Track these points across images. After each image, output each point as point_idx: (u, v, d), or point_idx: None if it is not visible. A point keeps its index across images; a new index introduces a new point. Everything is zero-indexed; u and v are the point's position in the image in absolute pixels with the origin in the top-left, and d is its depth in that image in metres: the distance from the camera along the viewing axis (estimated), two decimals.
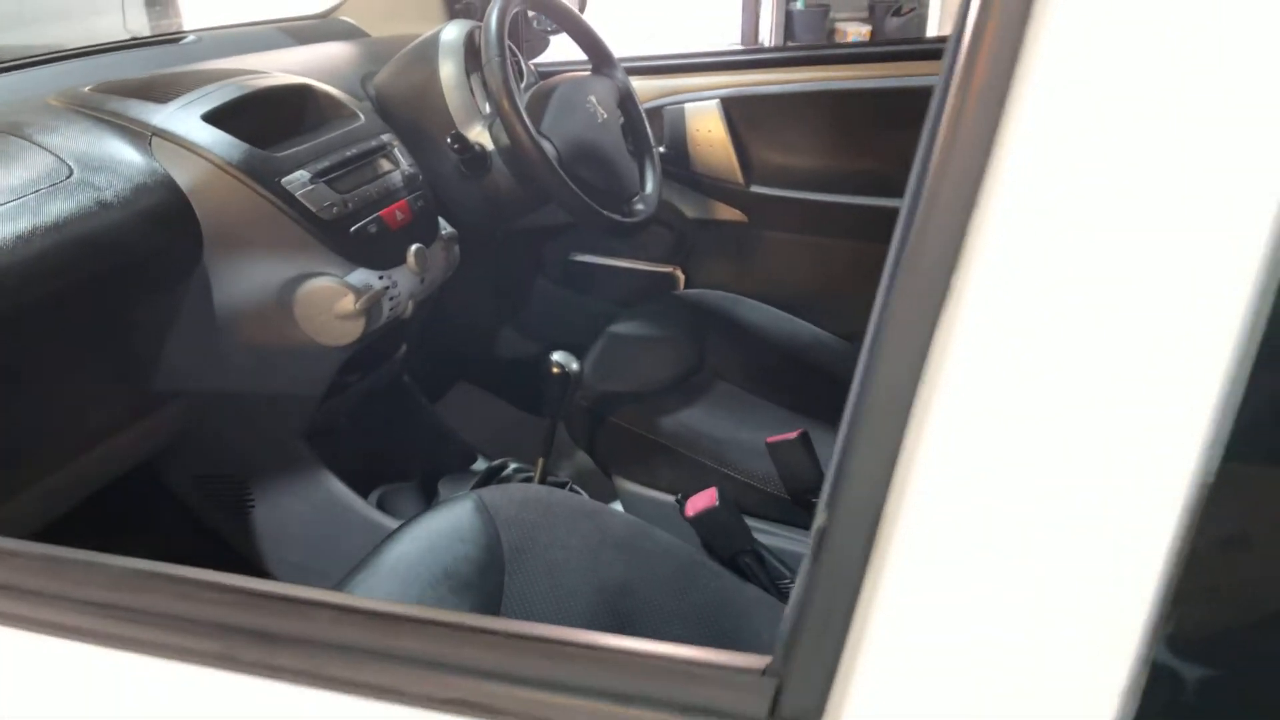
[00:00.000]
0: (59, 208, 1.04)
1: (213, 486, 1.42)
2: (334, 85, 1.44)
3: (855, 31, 6.32)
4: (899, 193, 1.63)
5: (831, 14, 6.52)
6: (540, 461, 1.44)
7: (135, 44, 1.63)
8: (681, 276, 1.98)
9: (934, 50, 1.81)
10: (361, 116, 1.38)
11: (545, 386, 1.39)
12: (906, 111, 1.74)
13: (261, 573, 1.50)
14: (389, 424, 1.62)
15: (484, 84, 1.45)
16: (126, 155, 1.15)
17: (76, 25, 2.60)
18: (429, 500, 1.53)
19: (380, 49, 1.75)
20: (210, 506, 1.44)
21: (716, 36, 6.49)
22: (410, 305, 1.33)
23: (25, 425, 1.16)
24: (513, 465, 1.55)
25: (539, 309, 2.12)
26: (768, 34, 6.39)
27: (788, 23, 6.48)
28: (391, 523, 1.38)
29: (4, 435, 1.13)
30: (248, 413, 1.35)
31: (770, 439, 1.30)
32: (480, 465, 1.60)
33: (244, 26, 1.81)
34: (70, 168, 1.10)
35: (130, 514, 1.44)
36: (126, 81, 1.30)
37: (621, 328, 1.66)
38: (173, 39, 1.67)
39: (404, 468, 1.56)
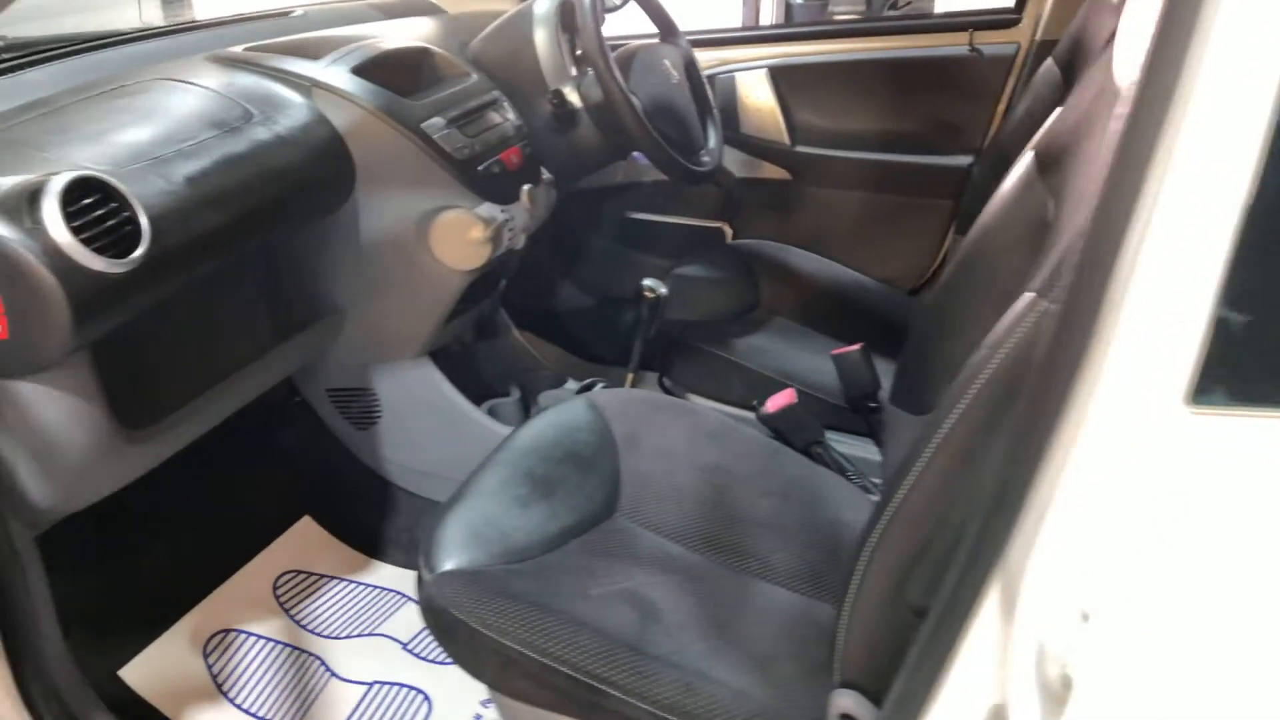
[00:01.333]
0: (250, 141, 1.24)
1: (343, 400, 1.62)
2: None
3: None
4: (926, 150, 1.92)
5: (830, 6, 6.73)
6: (629, 377, 1.64)
7: (252, 17, 1.83)
8: (729, 231, 2.18)
9: (952, 25, 2.01)
10: (473, 75, 1.58)
11: (636, 309, 1.60)
12: (932, 77, 1.97)
13: (380, 479, 1.71)
14: (489, 349, 1.82)
15: (573, 49, 1.66)
16: (294, 101, 1.35)
17: (95, 17, 2.76)
18: (528, 414, 1.74)
19: (463, 23, 1.94)
20: (338, 418, 1.64)
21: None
22: (523, 237, 1.53)
23: (196, 346, 1.35)
24: (600, 384, 1.75)
25: (595, 264, 2.32)
26: (768, 23, 6.58)
27: (788, 14, 6.69)
28: (503, 429, 1.58)
29: (180, 353, 1.32)
30: (379, 333, 1.55)
31: (835, 350, 1.51)
32: (571, 385, 1.80)
33: (340, 4, 2.00)
34: (252, 111, 1.30)
35: (270, 423, 1.64)
36: (275, 43, 1.49)
37: (686, 270, 1.86)
38: (282, 13, 1.87)
39: (503, 387, 1.77)
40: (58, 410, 1.03)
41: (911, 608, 0.84)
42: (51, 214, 0.95)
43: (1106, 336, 0.55)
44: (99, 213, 1.01)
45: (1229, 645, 0.56)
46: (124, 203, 1.02)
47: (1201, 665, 0.57)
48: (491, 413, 1.65)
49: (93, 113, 1.20)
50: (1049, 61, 1.60)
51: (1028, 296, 0.73)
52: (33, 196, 0.96)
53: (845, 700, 0.88)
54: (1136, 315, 0.53)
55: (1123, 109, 0.55)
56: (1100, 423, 0.55)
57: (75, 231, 0.96)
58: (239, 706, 1.40)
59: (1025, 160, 1.10)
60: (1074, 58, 1.49)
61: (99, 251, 0.98)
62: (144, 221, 1.03)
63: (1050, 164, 1.04)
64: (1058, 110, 1.14)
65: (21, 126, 1.13)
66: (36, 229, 0.94)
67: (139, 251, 1.01)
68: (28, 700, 1.17)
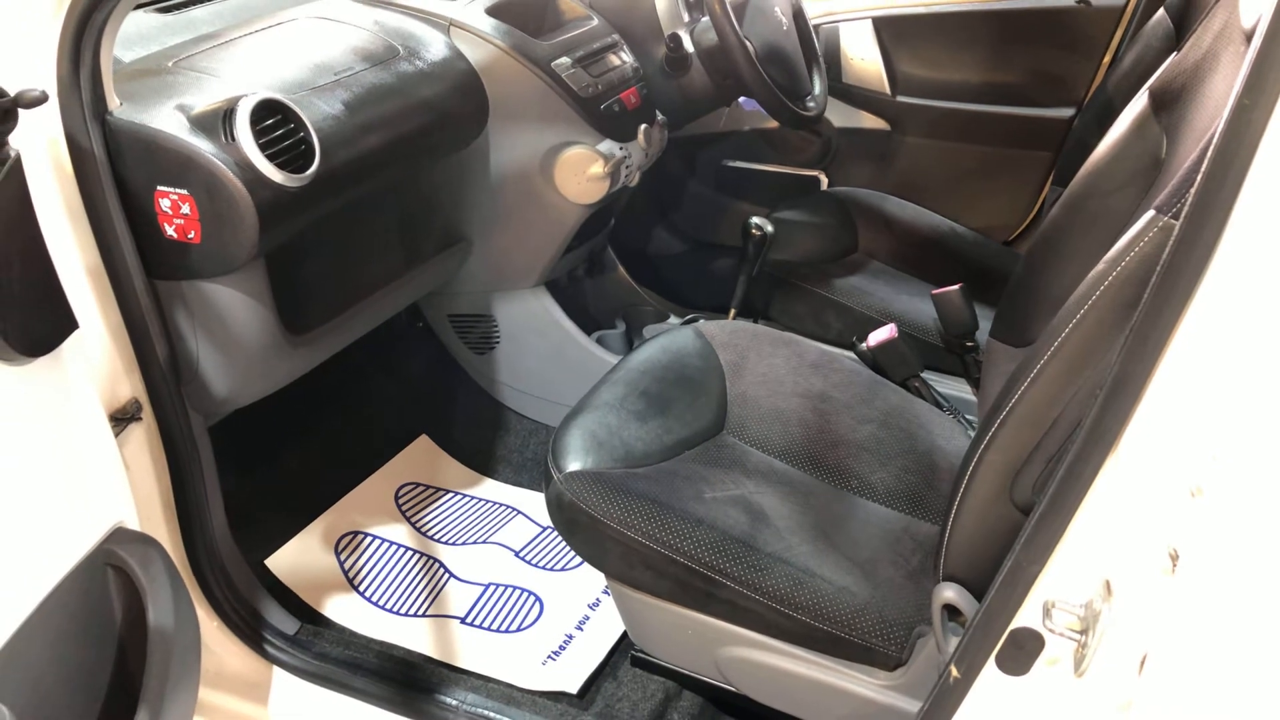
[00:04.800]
0: (397, 75, 1.35)
1: (464, 326, 1.74)
2: None
3: None
4: (1028, 102, 1.97)
5: None
6: (732, 312, 1.73)
7: None
8: (825, 179, 2.23)
9: None
10: (594, 18, 1.66)
11: (742, 245, 1.67)
12: (1038, 29, 1.99)
13: (493, 402, 1.82)
14: (598, 284, 1.92)
15: None
16: (435, 39, 1.44)
17: None
18: (632, 346, 1.83)
19: None
20: (459, 343, 1.75)
21: None
22: (637, 175, 1.62)
23: (344, 267, 1.46)
24: (703, 319, 1.83)
25: (691, 210, 2.39)
26: None
27: None
28: (611, 358, 1.68)
29: (331, 272, 1.43)
30: (502, 262, 1.66)
31: (935, 290, 1.57)
32: (674, 320, 1.89)
33: None
34: (397, 47, 1.40)
35: (395, 348, 1.76)
36: None
37: (785, 214, 1.92)
38: None
39: (609, 321, 1.87)
40: (239, 309, 1.15)
41: (1017, 505, 0.91)
42: (244, 131, 1.06)
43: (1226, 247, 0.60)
44: (278, 133, 1.12)
45: None
46: (299, 124, 1.13)
47: None
48: (599, 343, 1.75)
49: (258, 45, 1.31)
50: (1160, 12, 1.61)
51: (1149, 213, 0.78)
52: (227, 116, 1.07)
53: (949, 593, 0.96)
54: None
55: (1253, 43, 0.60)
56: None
57: (261, 149, 1.08)
58: (368, 599, 1.53)
59: (1139, 102, 1.14)
60: (1188, 6, 1.51)
61: (280, 167, 1.09)
62: (315, 142, 1.14)
63: (1166, 103, 1.08)
64: (1173, 55, 1.17)
65: (200, 57, 1.24)
66: (231, 145, 1.06)
67: (313, 168, 1.12)
68: (197, 572, 1.31)
